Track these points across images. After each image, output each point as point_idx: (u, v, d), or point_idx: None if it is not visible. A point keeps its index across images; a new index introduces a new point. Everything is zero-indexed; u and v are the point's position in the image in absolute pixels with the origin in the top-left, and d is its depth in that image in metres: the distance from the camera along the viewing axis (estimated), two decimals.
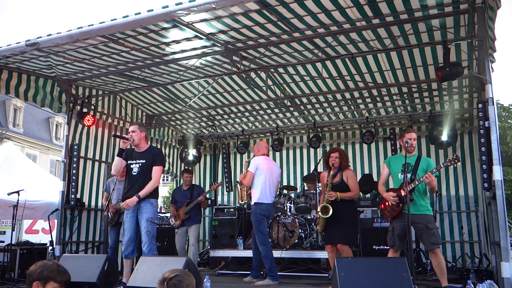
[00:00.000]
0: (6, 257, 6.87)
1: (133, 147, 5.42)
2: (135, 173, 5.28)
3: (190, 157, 9.68)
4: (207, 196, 8.01)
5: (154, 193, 5.27)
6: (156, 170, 5.24)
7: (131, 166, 5.32)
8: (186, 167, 9.03)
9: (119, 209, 6.70)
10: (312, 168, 9.25)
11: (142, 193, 5.11)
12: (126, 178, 5.41)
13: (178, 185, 9.40)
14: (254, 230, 6.10)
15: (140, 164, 5.27)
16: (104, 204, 7.34)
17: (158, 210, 10.23)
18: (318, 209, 5.67)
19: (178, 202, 7.58)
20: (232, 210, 8.54)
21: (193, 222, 7.36)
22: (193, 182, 9.07)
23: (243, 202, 6.87)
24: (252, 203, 6.13)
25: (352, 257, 5.26)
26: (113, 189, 6.92)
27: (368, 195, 8.49)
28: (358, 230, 5.67)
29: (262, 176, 6.11)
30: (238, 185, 6.93)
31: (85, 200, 7.77)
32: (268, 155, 6.51)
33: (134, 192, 5.17)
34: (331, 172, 5.56)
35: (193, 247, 7.26)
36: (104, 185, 7.61)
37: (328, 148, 9.40)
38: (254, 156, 6.41)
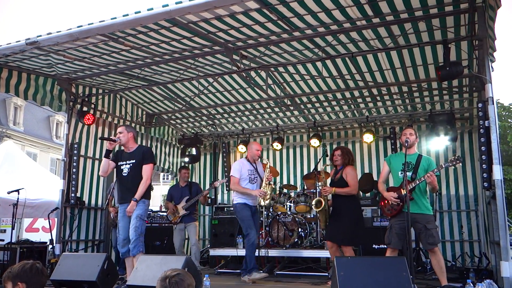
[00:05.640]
0: (6, 255, 6.87)
1: (122, 148, 5.41)
2: (125, 174, 5.25)
3: (190, 156, 9.67)
4: (207, 195, 8.04)
5: (146, 193, 5.17)
6: (146, 168, 5.18)
7: (121, 167, 5.29)
8: (184, 165, 9.10)
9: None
10: (312, 167, 9.25)
11: (137, 195, 5.09)
12: (117, 180, 5.42)
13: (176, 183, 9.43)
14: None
15: (130, 165, 5.23)
16: (108, 207, 7.51)
17: (158, 209, 10.31)
18: (313, 203, 5.73)
19: (175, 199, 7.58)
20: (232, 209, 8.51)
21: (192, 220, 7.39)
22: (193, 181, 9.15)
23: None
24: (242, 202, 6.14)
25: (351, 256, 5.27)
26: (111, 190, 7.07)
27: (368, 194, 8.50)
28: (360, 228, 5.64)
29: None
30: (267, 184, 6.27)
31: (85, 198, 7.79)
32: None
33: (128, 194, 5.16)
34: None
35: (195, 247, 7.25)
36: (108, 188, 7.68)
37: (328, 148, 9.42)
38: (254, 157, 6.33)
